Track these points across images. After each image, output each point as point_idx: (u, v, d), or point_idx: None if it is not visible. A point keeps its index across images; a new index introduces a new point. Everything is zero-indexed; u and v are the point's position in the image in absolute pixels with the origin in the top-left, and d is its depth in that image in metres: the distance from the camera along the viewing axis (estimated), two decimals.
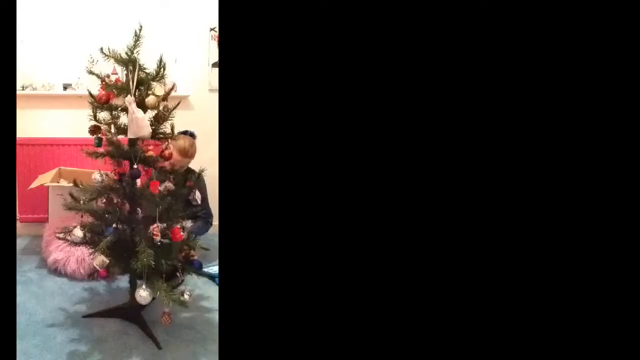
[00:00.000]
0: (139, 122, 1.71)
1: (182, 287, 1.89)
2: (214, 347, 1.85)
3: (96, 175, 1.87)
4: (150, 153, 1.81)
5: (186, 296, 1.78)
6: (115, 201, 1.92)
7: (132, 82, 1.71)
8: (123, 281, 2.32)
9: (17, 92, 2.82)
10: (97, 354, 1.78)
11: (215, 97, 2.95)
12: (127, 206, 1.92)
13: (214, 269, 2.44)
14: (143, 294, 1.71)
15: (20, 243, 2.81)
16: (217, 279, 2.39)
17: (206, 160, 2.34)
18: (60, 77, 2.91)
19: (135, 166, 1.80)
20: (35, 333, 1.89)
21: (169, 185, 1.87)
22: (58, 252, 2.43)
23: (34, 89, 2.89)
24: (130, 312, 2.00)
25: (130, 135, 1.77)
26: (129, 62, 1.73)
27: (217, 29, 2.91)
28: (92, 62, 1.83)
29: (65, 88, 2.92)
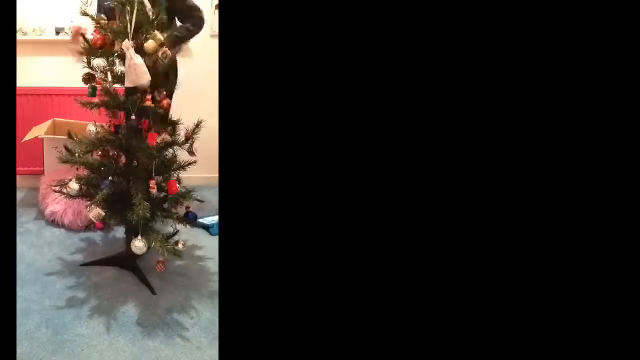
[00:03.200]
0: (137, 69, 1.61)
1: (176, 238, 1.92)
2: (206, 292, 1.91)
3: (91, 127, 1.84)
4: (148, 103, 1.73)
5: (180, 246, 1.81)
6: (111, 154, 1.91)
7: (130, 24, 1.59)
8: (119, 232, 2.35)
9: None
10: (94, 299, 1.82)
11: (216, 43, 2.72)
12: (123, 159, 1.91)
13: (208, 219, 2.48)
14: (138, 245, 1.74)
15: (17, 195, 2.82)
16: (210, 229, 2.43)
17: (205, 111, 2.30)
18: (52, 20, 2.74)
19: (132, 117, 1.74)
20: (35, 281, 1.93)
21: (165, 137, 1.84)
22: (55, 204, 2.44)
23: (24, 33, 2.74)
24: (125, 261, 2.04)
25: (127, 84, 1.69)
26: (127, 2, 1.60)
27: None
28: (87, 3, 1.68)
29: (57, 32, 2.76)
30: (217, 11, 2.77)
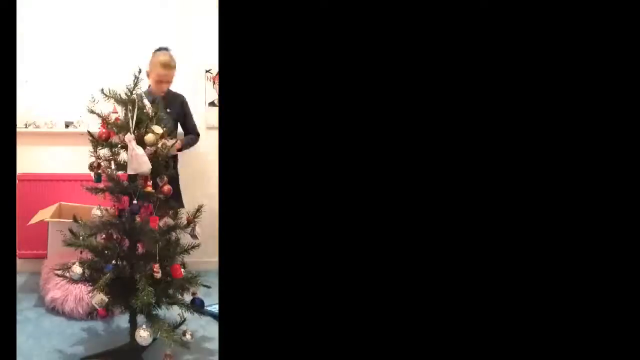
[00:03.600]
0: (138, 158, 1.75)
1: (183, 327, 1.86)
2: None
3: (96, 211, 1.88)
4: (149, 189, 1.82)
5: (188, 336, 1.74)
6: (114, 237, 1.91)
7: (132, 120, 1.77)
8: (123, 321, 2.27)
9: (20, 129, 2.87)
10: None
11: (211, 134, 3.04)
12: (127, 242, 1.91)
13: (217, 307, 2.39)
14: (143, 334, 1.67)
15: (19, 280, 2.77)
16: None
17: (205, 196, 2.35)
18: (62, 115, 2.97)
19: (135, 202, 1.80)
20: None
21: (168, 220, 1.87)
22: (56, 290, 2.39)
23: (37, 126, 2.96)
24: (130, 354, 1.93)
25: (129, 172, 1.79)
26: (129, 102, 1.78)
27: (212, 71, 3.05)
28: (94, 101, 1.90)
29: (67, 126, 2.98)
30: (210, 107, 3.11)
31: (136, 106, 1.76)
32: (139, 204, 1.82)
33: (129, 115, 1.77)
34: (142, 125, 1.80)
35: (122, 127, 1.79)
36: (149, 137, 1.77)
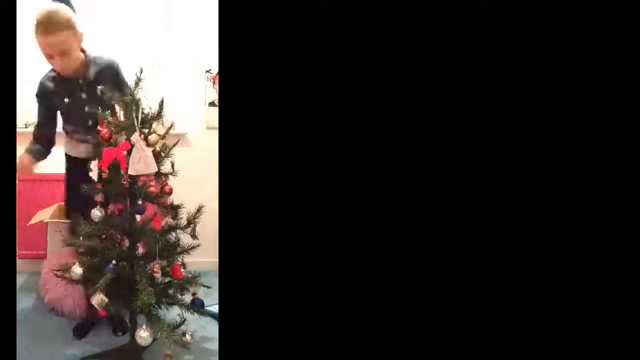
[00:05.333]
0: (147, 159, 1.73)
1: (183, 327, 1.86)
2: None
3: (95, 212, 1.87)
4: (152, 189, 1.81)
5: (188, 337, 1.74)
6: (114, 237, 1.91)
7: (137, 120, 1.74)
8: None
9: (20, 129, 2.85)
10: None
11: (212, 135, 3.03)
12: (127, 242, 1.91)
13: (216, 307, 2.39)
14: (143, 335, 1.67)
15: (18, 280, 2.77)
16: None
17: (205, 196, 2.36)
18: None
19: (140, 202, 1.80)
20: None
21: (169, 220, 1.87)
22: (55, 290, 2.39)
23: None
24: (130, 354, 1.94)
25: (131, 172, 1.76)
26: (132, 102, 1.76)
27: (212, 71, 3.04)
28: None
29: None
30: (211, 107, 3.11)
31: (140, 107, 1.74)
32: (144, 204, 1.81)
33: (134, 115, 1.74)
34: (145, 125, 1.78)
35: (123, 128, 1.76)
36: (153, 138, 1.75)
